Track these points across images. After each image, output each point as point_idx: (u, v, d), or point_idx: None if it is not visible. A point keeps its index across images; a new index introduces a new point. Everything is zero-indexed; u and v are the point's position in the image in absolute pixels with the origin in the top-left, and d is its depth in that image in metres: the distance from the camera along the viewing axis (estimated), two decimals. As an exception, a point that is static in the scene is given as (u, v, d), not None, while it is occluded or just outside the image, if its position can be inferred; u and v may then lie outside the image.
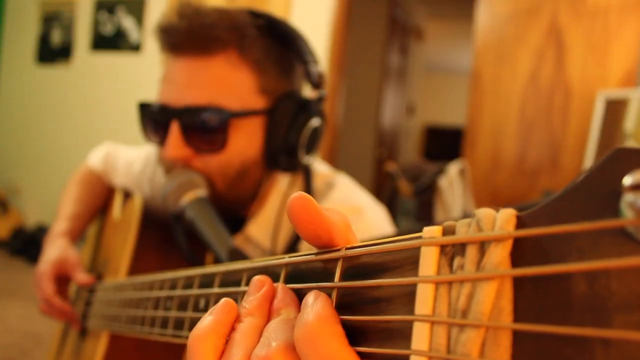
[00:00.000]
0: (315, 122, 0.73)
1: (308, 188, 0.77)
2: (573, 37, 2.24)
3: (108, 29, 3.48)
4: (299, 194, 0.25)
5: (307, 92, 0.75)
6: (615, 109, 2.05)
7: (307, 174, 0.78)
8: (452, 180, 2.52)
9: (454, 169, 2.50)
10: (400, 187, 2.77)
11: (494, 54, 2.46)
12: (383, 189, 3.27)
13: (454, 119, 7.11)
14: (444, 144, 6.95)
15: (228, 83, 0.68)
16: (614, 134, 2.04)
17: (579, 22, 2.22)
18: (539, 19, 2.32)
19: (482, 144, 2.50)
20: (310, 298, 0.24)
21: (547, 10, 2.30)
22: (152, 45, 3.31)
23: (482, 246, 0.17)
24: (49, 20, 3.74)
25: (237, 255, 0.58)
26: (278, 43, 0.73)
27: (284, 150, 0.71)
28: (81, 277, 0.80)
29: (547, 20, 2.30)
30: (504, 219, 0.17)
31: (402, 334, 0.19)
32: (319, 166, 0.84)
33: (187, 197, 0.65)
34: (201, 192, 0.66)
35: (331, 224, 0.25)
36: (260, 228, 0.78)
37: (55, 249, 0.85)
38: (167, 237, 0.78)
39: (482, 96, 2.50)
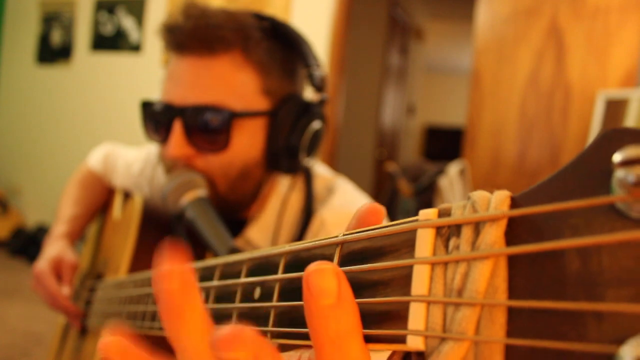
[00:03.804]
0: (316, 124, 0.73)
1: (309, 191, 0.77)
2: (573, 37, 2.24)
3: (108, 29, 3.48)
4: (376, 205, 0.25)
5: (309, 95, 0.76)
6: (615, 109, 2.05)
7: (307, 177, 0.78)
8: (452, 180, 2.52)
9: (454, 169, 2.50)
10: (400, 187, 2.77)
11: (494, 54, 2.46)
12: (383, 189, 3.27)
13: (454, 119, 7.12)
14: (444, 144, 6.96)
15: (232, 83, 0.69)
16: (613, 134, 2.03)
17: (579, 22, 2.23)
18: (539, 19, 2.32)
19: (482, 144, 2.50)
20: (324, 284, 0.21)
21: (547, 10, 2.30)
22: (152, 46, 3.32)
23: (477, 227, 0.17)
24: (49, 20, 3.75)
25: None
26: (282, 46, 0.73)
27: (286, 152, 0.72)
28: (64, 289, 0.82)
29: (547, 20, 2.30)
30: (498, 200, 0.17)
31: (399, 315, 0.19)
32: (319, 169, 0.84)
33: (187, 197, 0.65)
34: (201, 192, 0.67)
35: None
36: (260, 231, 0.78)
37: (53, 248, 0.86)
38: (167, 237, 0.78)
39: (482, 96, 2.50)
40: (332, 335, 0.20)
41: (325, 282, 0.20)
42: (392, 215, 2.76)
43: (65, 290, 0.82)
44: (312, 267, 0.21)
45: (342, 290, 0.20)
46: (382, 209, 0.25)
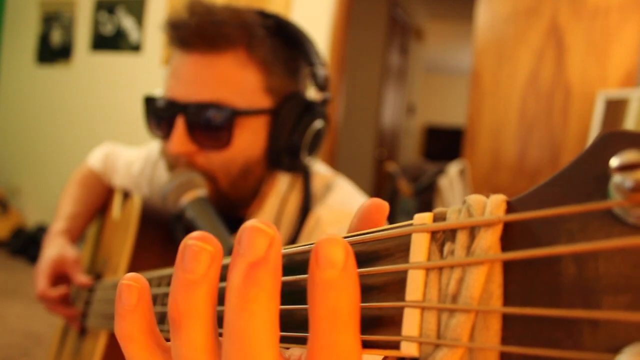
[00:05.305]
0: (318, 123, 0.73)
1: (307, 190, 0.77)
2: (573, 37, 2.24)
3: (108, 29, 3.48)
4: (379, 201, 0.26)
5: (312, 94, 0.76)
6: (615, 109, 2.05)
7: (306, 176, 0.78)
8: (452, 180, 2.52)
9: (454, 169, 2.50)
10: (400, 187, 2.77)
11: (494, 54, 2.46)
12: (383, 189, 3.27)
13: (454, 119, 7.12)
14: (444, 144, 6.96)
15: (235, 81, 0.69)
16: (613, 134, 2.03)
17: (579, 22, 2.22)
18: (539, 19, 2.32)
19: (482, 144, 2.50)
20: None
21: (547, 10, 2.30)
22: (152, 46, 3.31)
23: (473, 231, 0.17)
24: (49, 20, 3.74)
25: None
26: (286, 44, 0.73)
27: (287, 150, 0.72)
28: (80, 278, 0.80)
29: (547, 20, 2.30)
30: (494, 204, 0.17)
31: (393, 320, 0.19)
32: (319, 167, 0.84)
33: (187, 197, 0.66)
34: (201, 191, 0.67)
35: None
36: None
37: (53, 247, 0.86)
38: (166, 237, 0.78)
39: (482, 96, 2.50)
40: (329, 309, 0.19)
41: (333, 251, 0.19)
42: (392, 215, 2.75)
43: (58, 291, 0.82)
44: (324, 237, 0.20)
45: (348, 264, 0.20)
46: (384, 204, 0.25)
